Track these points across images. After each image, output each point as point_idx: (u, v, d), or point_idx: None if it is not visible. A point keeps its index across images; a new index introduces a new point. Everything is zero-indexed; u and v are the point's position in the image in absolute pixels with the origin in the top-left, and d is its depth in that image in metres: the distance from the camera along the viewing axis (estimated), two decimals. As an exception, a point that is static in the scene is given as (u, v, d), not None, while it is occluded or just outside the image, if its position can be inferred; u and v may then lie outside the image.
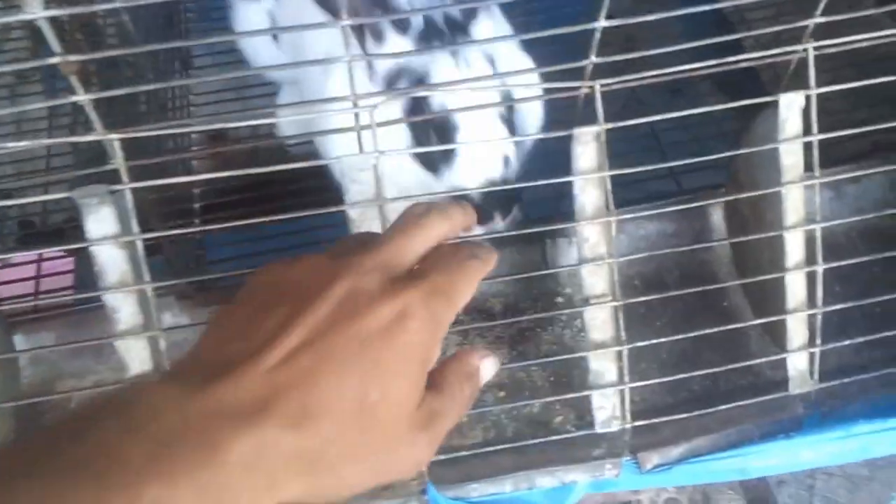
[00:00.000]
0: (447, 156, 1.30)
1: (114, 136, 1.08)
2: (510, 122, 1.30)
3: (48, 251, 1.92)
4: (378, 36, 1.31)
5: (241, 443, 0.57)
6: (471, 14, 1.34)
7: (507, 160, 1.33)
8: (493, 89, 1.28)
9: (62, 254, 1.99)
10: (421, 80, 1.30)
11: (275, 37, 1.76)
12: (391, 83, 1.34)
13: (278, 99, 2.08)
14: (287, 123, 1.84)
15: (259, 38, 1.76)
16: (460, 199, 1.24)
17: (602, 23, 1.05)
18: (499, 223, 1.32)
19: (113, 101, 1.10)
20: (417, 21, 1.32)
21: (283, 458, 0.59)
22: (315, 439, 0.60)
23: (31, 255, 2.00)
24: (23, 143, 1.02)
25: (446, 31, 1.34)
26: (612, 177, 1.20)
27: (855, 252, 1.53)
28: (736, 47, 2.06)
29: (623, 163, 1.22)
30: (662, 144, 1.94)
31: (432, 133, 1.27)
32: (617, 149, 1.28)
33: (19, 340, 1.47)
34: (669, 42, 1.21)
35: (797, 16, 1.21)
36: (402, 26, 1.32)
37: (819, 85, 1.21)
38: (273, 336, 0.62)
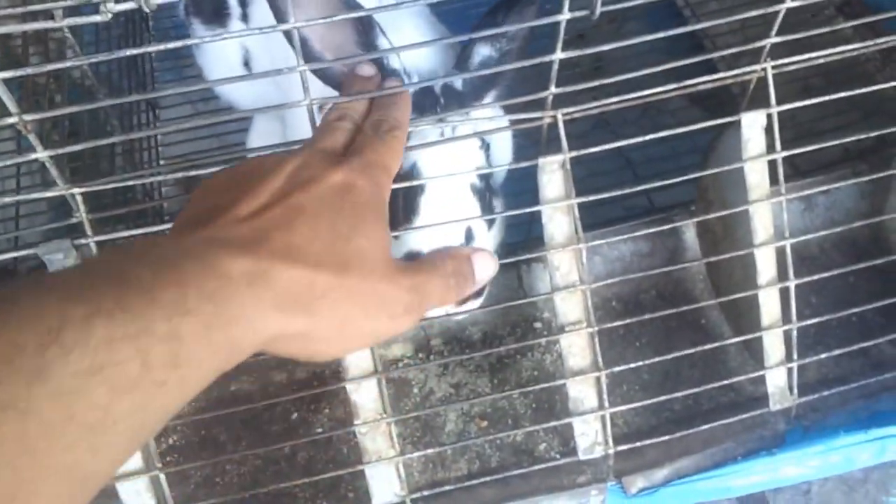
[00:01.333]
0: (408, 216, 1.19)
1: (75, 189, 1.07)
2: (483, 193, 1.20)
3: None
4: None
5: (239, 263, 0.64)
6: (475, 94, 1.22)
7: (469, 233, 1.20)
8: (473, 151, 1.21)
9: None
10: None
11: (246, 64, 1.73)
12: None
13: (251, 129, 2.07)
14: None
15: (231, 71, 1.74)
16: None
17: (559, 55, 1.05)
18: (453, 308, 1.21)
19: (79, 151, 1.10)
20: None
21: (279, 286, 0.65)
22: (304, 271, 0.67)
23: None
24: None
25: (440, 101, 1.22)
26: (598, 198, 1.19)
27: (829, 263, 1.54)
28: (706, 61, 2.08)
29: (595, 181, 1.22)
30: (633, 161, 1.95)
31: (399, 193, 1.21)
32: (589, 167, 1.27)
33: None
34: (639, 59, 1.21)
35: (762, 28, 1.21)
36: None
37: (789, 95, 1.22)
38: (241, 199, 0.70)
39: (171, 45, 0.92)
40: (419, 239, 1.16)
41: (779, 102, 1.21)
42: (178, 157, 1.97)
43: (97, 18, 0.89)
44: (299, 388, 1.50)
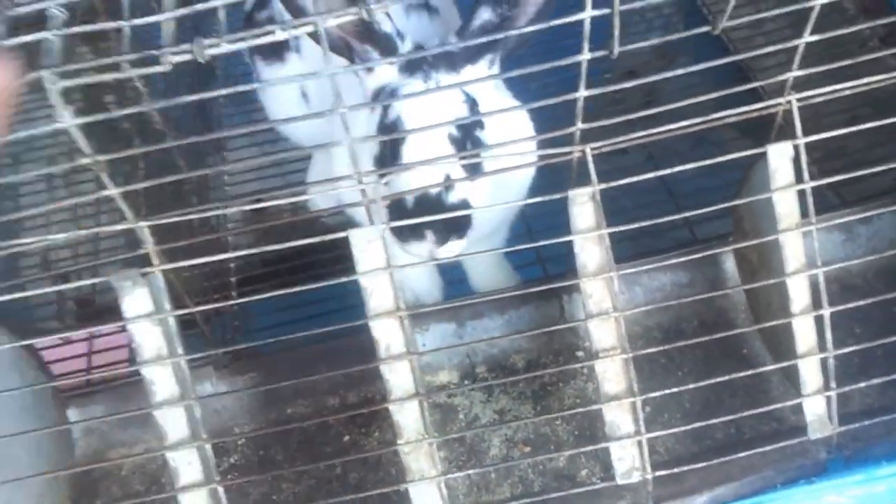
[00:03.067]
0: (394, 160, 1.36)
1: (143, 223, 1.18)
2: (461, 143, 1.35)
3: (98, 329, 2.04)
4: (366, 62, 1.41)
5: None
6: (469, 56, 1.41)
7: (447, 178, 1.34)
8: (454, 105, 1.37)
9: (117, 329, 2.11)
10: (393, 94, 1.40)
11: (304, 97, 1.86)
12: (375, 96, 1.44)
13: (310, 168, 2.19)
14: (318, 195, 1.95)
15: (289, 103, 1.87)
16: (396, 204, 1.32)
17: (583, 92, 1.12)
18: (433, 245, 1.33)
19: (158, 192, 1.21)
20: (404, 49, 1.42)
21: None
22: None
23: (85, 332, 2.13)
24: (60, 236, 1.14)
25: (429, 61, 1.41)
26: (628, 230, 1.24)
27: (872, 293, 1.53)
28: (754, 93, 2.10)
29: (639, 213, 1.26)
30: (678, 193, 1.97)
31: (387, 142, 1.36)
32: (636, 200, 1.30)
33: (73, 414, 1.58)
34: (690, 92, 1.25)
35: (808, 59, 1.23)
36: (389, 53, 1.41)
37: (836, 125, 1.24)
38: None
39: (224, 92, 1.02)
40: (402, 183, 1.32)
41: (826, 132, 1.23)
42: (246, 195, 2.11)
43: (159, 69, 1.00)
44: (351, 412, 1.57)
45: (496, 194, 1.43)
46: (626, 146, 1.25)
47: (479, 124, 1.39)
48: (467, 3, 1.40)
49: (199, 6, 1.02)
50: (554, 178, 1.53)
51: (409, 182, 1.32)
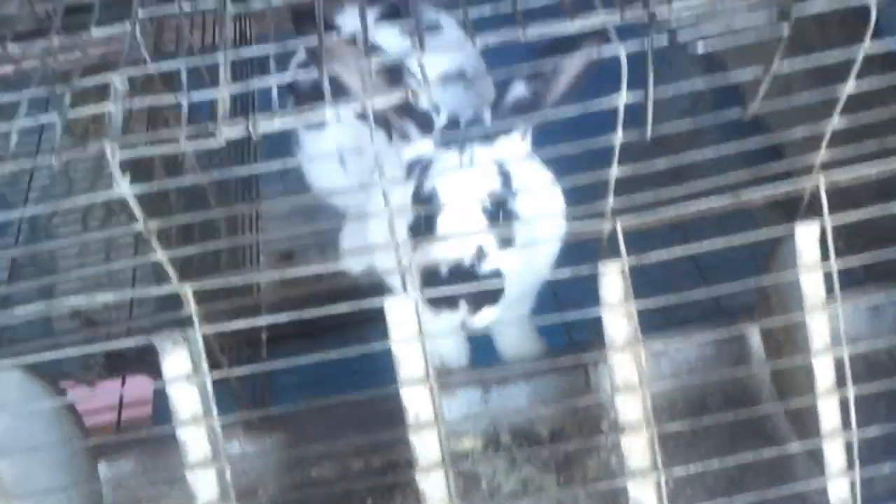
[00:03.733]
0: (428, 230, 1.41)
1: (187, 286, 1.22)
2: (494, 215, 1.40)
3: (129, 380, 2.07)
4: (405, 137, 1.48)
5: None
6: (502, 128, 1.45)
7: (480, 250, 1.38)
8: (488, 178, 1.42)
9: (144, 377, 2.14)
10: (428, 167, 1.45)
11: (342, 161, 1.91)
12: (411, 167, 1.49)
13: (344, 229, 2.24)
14: (351, 255, 1.99)
15: (328, 168, 1.93)
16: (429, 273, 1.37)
17: (615, 171, 1.16)
18: (466, 315, 1.37)
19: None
20: (440, 122, 1.47)
21: None
22: None
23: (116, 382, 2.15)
24: (108, 296, 1.18)
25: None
26: (655, 303, 1.27)
27: (898, 372, 1.54)
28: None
29: (667, 284, 1.29)
30: (706, 265, 1.99)
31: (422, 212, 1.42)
32: (662, 267, 1.33)
33: (103, 468, 1.60)
34: (717, 163, 1.29)
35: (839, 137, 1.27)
36: (426, 128, 1.47)
37: (865, 198, 1.27)
38: None
39: (273, 167, 1.08)
40: (437, 251, 1.38)
41: (854, 205, 1.26)
42: (277, 251, 2.16)
43: (213, 144, 1.06)
44: (375, 476, 1.58)
45: (526, 263, 1.47)
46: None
47: (512, 195, 1.44)
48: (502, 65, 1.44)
49: (255, 84, 1.08)
50: (581, 246, 1.56)
51: (442, 252, 1.36)
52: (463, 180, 1.41)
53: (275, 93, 1.09)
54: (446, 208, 1.39)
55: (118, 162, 1.05)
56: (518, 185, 1.45)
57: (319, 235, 2.26)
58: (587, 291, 1.33)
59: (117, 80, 1.10)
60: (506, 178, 1.45)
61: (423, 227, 1.42)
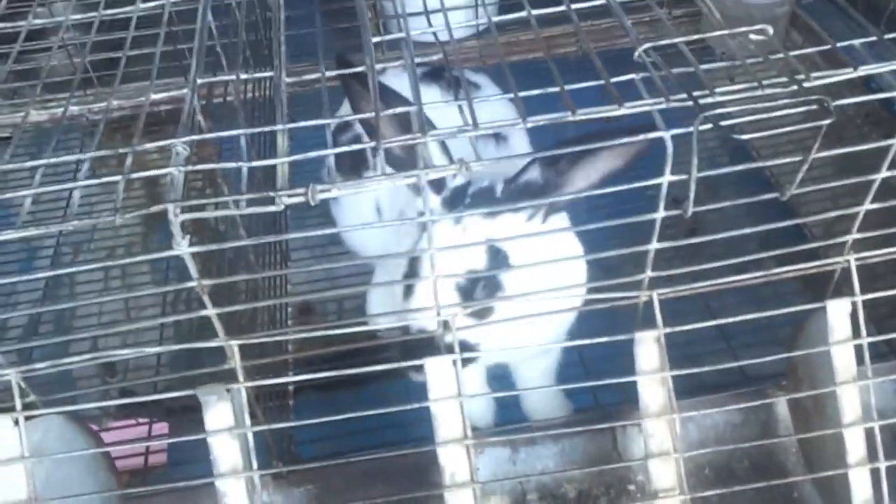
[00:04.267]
0: (406, 297, 1.49)
1: (233, 342, 1.26)
2: (468, 291, 1.44)
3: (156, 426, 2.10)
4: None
5: None
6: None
7: (447, 323, 1.37)
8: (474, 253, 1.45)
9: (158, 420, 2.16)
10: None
11: (378, 211, 1.95)
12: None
13: (372, 280, 2.28)
14: (376, 308, 2.02)
15: (361, 217, 1.96)
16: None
17: (654, 245, 1.20)
18: None
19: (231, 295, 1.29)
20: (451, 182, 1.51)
21: None
22: None
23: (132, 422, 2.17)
24: (155, 349, 1.21)
25: (469, 199, 1.50)
26: (677, 362, 1.29)
27: (924, 444, 1.56)
28: (802, 235, 2.18)
29: (690, 348, 1.32)
30: (728, 332, 2.02)
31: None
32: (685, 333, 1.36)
33: (131, 517, 1.61)
34: (732, 222, 1.32)
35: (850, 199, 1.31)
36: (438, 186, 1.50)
37: (887, 275, 1.31)
38: None
39: (327, 232, 1.11)
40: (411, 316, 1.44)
41: (871, 279, 1.30)
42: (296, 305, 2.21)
43: (272, 208, 1.10)
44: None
45: (527, 333, 1.50)
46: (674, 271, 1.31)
47: (505, 265, 1.47)
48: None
49: (313, 154, 1.13)
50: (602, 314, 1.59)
51: (418, 319, 1.44)
52: (445, 253, 1.42)
53: (331, 161, 1.14)
54: (422, 277, 1.43)
55: (179, 223, 1.09)
56: (515, 261, 1.47)
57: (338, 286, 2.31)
58: (610, 353, 1.36)
59: (180, 146, 1.15)
60: (496, 254, 1.46)
61: (405, 290, 1.48)
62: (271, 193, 1.08)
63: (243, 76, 1.31)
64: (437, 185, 1.50)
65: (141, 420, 2.20)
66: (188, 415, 1.61)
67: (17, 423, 1.28)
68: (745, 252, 1.45)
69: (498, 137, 1.86)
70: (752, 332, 1.97)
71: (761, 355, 1.85)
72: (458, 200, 1.50)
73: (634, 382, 1.36)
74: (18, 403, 1.28)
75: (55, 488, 1.33)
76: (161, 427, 2.18)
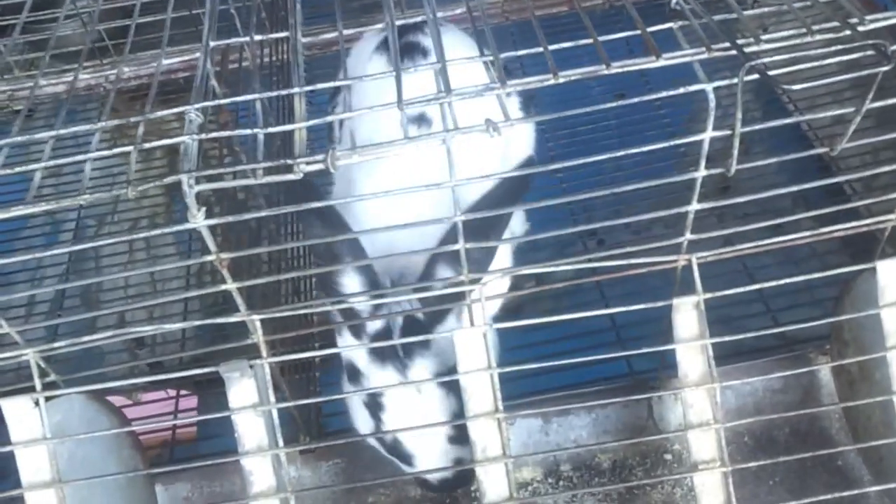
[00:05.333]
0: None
1: (255, 316, 1.21)
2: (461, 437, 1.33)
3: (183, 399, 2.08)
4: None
5: None
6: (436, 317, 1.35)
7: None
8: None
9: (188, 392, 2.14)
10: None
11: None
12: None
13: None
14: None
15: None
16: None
17: (694, 206, 1.13)
18: None
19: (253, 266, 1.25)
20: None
21: None
22: None
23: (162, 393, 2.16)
24: (178, 325, 1.17)
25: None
26: (715, 327, 1.23)
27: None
28: (839, 193, 2.09)
29: (726, 310, 1.25)
30: (765, 293, 1.94)
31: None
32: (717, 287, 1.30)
33: (159, 490, 1.60)
34: (765, 180, 1.25)
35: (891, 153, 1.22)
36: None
37: None
38: None
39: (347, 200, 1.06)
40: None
41: None
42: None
43: (290, 177, 1.04)
44: (433, 505, 1.56)
45: None
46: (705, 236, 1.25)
47: None
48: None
49: (330, 118, 1.07)
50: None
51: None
52: (417, 418, 1.34)
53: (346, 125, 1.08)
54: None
55: (194, 194, 1.04)
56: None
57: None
58: (643, 318, 1.30)
59: (192, 113, 1.10)
60: (451, 392, 1.33)
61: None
62: (289, 161, 1.03)
63: (258, 38, 1.24)
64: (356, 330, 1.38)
65: (170, 392, 2.18)
66: (217, 387, 1.59)
67: (37, 403, 1.25)
68: (779, 210, 1.39)
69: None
70: (790, 293, 1.89)
71: (800, 317, 1.78)
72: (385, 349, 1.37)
73: (671, 353, 1.31)
74: (38, 384, 1.25)
75: (78, 468, 1.31)
76: (191, 399, 2.17)
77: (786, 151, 1.18)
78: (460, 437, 1.33)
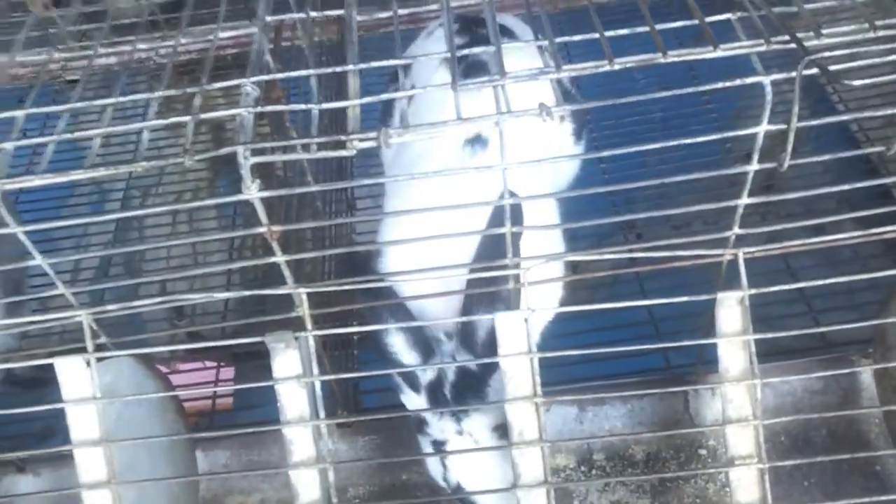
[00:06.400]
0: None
1: (302, 289, 1.23)
2: None
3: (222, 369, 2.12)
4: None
5: None
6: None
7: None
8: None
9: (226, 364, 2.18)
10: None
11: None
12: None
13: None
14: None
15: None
16: None
17: (745, 200, 1.13)
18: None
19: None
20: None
21: None
22: None
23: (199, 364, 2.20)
24: (224, 295, 1.20)
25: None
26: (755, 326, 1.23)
27: None
28: (886, 197, 2.06)
29: (766, 309, 1.25)
30: (806, 293, 1.92)
31: None
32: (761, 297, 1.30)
33: (198, 456, 1.63)
34: (810, 180, 1.24)
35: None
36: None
37: None
38: None
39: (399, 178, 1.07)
40: None
41: None
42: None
43: (344, 153, 1.06)
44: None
45: None
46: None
47: None
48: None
49: (385, 96, 1.08)
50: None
51: None
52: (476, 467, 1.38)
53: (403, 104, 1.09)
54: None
55: (249, 166, 1.06)
56: None
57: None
58: (681, 313, 1.29)
59: (249, 86, 1.11)
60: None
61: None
62: (342, 137, 1.04)
63: (313, 14, 1.26)
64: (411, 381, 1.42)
65: (209, 363, 2.23)
66: (254, 360, 1.61)
67: (88, 364, 1.28)
68: (823, 212, 1.37)
69: None
70: (830, 295, 1.87)
71: (840, 319, 1.76)
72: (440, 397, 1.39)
73: (709, 348, 1.30)
74: (90, 345, 1.29)
75: (125, 428, 1.35)
76: (228, 370, 2.21)
77: (833, 152, 1.17)
78: None
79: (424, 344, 1.38)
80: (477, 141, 1.50)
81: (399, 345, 1.39)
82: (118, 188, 2.82)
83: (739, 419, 1.24)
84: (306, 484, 1.28)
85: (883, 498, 1.28)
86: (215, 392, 1.96)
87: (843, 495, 1.29)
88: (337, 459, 1.61)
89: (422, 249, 1.28)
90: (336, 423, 1.63)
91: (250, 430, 1.52)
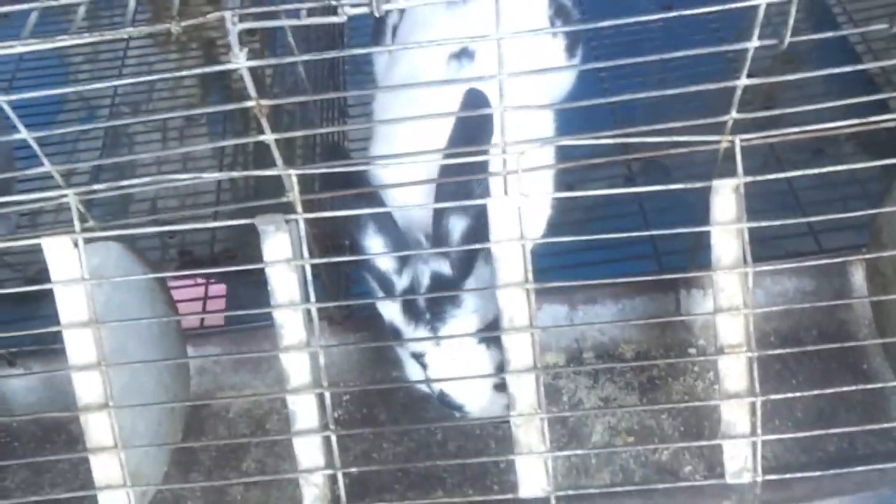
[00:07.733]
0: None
1: (292, 171, 1.22)
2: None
3: (212, 275, 2.11)
4: None
5: None
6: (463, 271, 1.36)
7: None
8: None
9: (216, 280, 2.18)
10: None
11: None
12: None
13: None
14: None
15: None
16: None
17: (744, 80, 1.10)
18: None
19: (290, 143, 1.25)
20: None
21: None
22: None
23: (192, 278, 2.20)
24: (215, 175, 1.18)
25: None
26: (750, 233, 1.22)
27: None
28: (882, 107, 2.04)
29: (762, 219, 1.25)
30: (803, 204, 1.92)
31: None
32: (755, 205, 1.30)
33: (190, 351, 1.64)
34: (811, 101, 1.23)
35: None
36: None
37: None
38: None
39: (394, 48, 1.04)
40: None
41: None
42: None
43: (335, 19, 1.03)
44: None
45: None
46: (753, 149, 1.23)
47: None
48: None
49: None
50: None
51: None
52: (457, 372, 1.34)
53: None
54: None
55: (237, 33, 1.03)
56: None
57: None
58: (678, 221, 1.29)
59: (239, -48, 1.08)
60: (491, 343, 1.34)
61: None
62: (332, 3, 1.01)
63: None
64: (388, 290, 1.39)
65: (199, 280, 2.22)
66: (245, 277, 1.60)
67: (76, 245, 1.27)
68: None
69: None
70: (828, 205, 1.87)
71: (838, 235, 1.75)
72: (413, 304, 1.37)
73: (702, 252, 1.29)
74: (77, 225, 1.27)
75: (114, 312, 1.34)
76: (219, 288, 2.20)
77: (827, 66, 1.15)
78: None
79: (403, 247, 1.36)
80: (463, 54, 1.48)
81: (377, 248, 1.37)
82: (105, 104, 2.79)
83: (730, 308, 1.24)
84: (297, 369, 1.28)
85: (868, 386, 1.29)
86: (204, 307, 1.95)
87: (831, 391, 1.29)
88: (327, 355, 1.62)
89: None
90: (327, 319, 1.63)
91: (245, 325, 1.52)
